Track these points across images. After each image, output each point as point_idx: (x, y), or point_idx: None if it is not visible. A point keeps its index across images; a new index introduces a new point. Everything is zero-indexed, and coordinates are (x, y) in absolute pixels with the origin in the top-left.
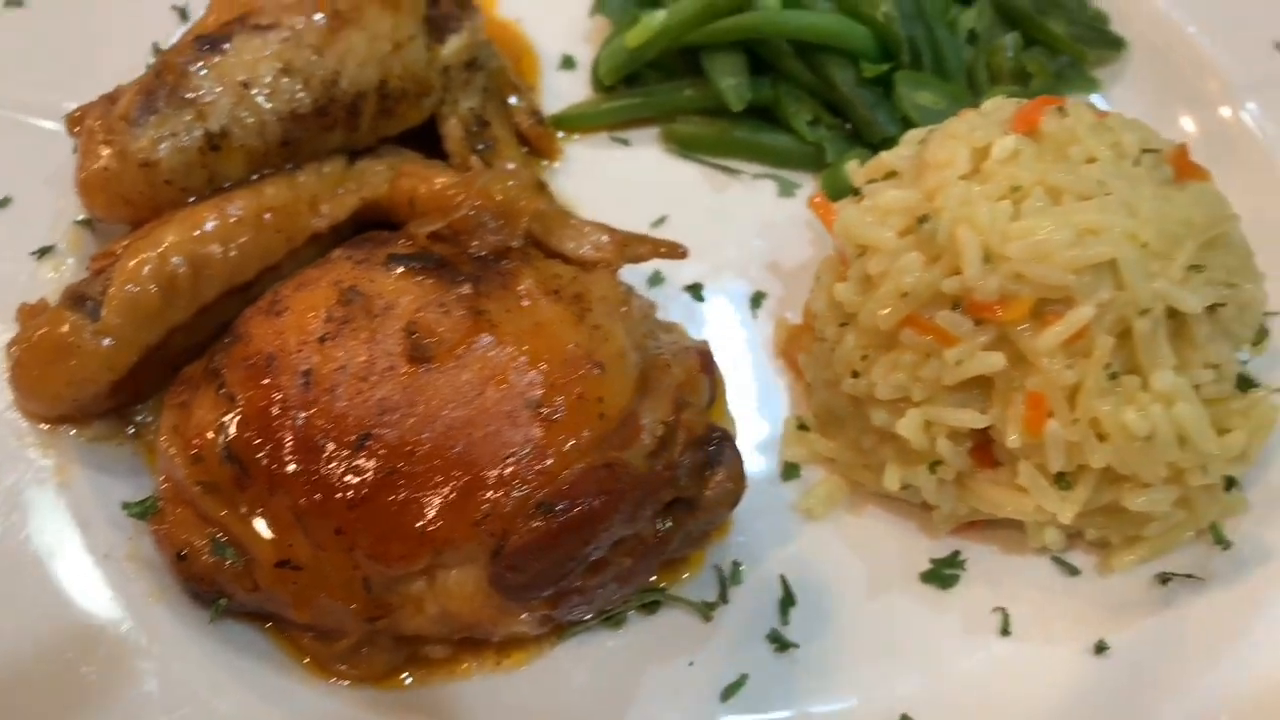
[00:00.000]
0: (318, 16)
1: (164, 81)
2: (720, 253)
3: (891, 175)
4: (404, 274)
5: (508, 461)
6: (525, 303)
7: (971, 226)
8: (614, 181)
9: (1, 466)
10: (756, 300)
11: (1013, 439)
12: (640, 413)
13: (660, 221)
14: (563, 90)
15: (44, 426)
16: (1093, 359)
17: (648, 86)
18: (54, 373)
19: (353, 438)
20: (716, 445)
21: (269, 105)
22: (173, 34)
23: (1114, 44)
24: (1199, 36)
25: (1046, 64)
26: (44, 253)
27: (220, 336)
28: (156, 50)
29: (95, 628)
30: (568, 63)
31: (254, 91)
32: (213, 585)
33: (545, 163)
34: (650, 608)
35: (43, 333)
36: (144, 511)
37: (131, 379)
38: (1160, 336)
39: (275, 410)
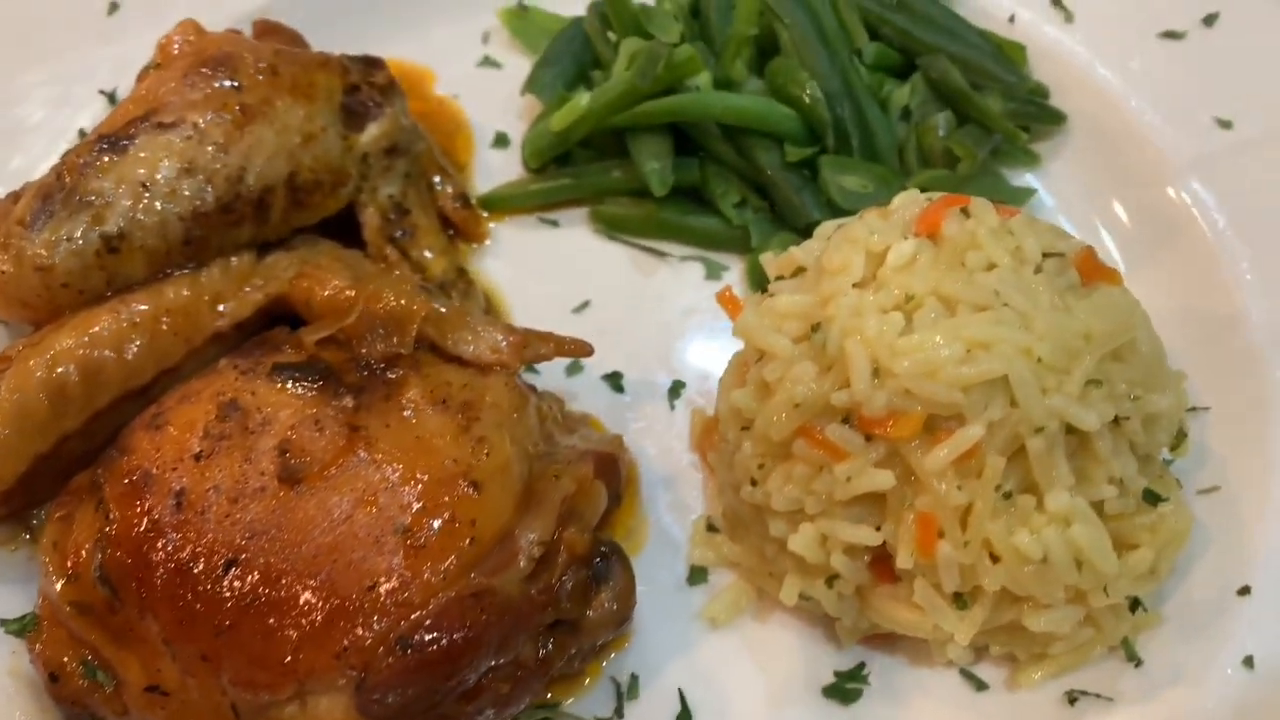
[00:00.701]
0: (224, 112)
1: (62, 183)
2: (642, 339)
3: (800, 271)
4: (286, 386)
5: (370, 592)
6: (407, 415)
7: (860, 339)
8: (540, 264)
9: None
10: (675, 390)
11: (904, 559)
12: (519, 533)
13: (583, 306)
14: (497, 168)
15: None
16: (983, 479)
17: (577, 166)
18: None
19: (220, 562)
20: (602, 562)
21: (170, 205)
22: (100, 117)
23: (1053, 118)
24: (1141, 111)
25: (980, 142)
26: None
27: (110, 445)
28: (82, 136)
29: None
30: (501, 140)
31: (154, 191)
32: (84, 707)
33: (473, 245)
34: None
35: None
36: (22, 629)
37: (23, 486)
38: (1056, 455)
39: (147, 532)
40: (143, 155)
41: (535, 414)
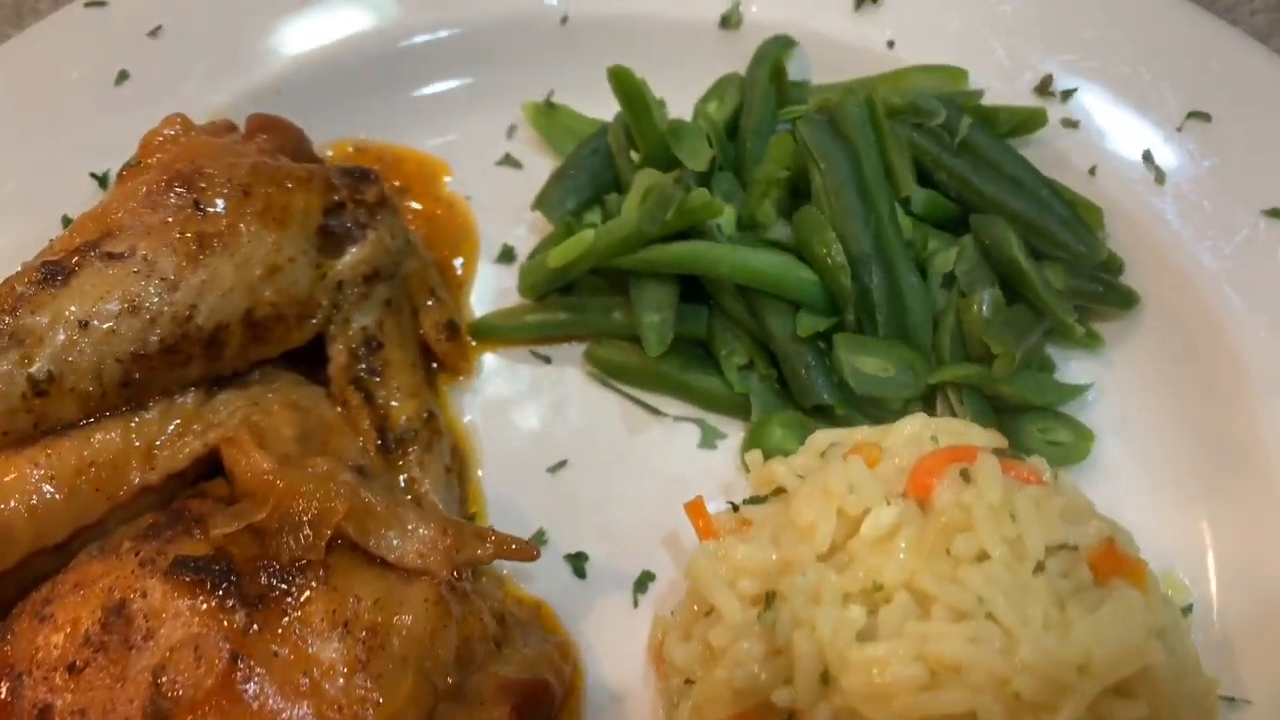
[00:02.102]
0: (178, 242)
1: None
2: (616, 515)
3: (779, 492)
4: (183, 588)
5: None
6: (301, 644)
7: (812, 635)
8: (522, 408)
9: None
10: (642, 583)
11: None
12: None
13: (560, 466)
14: (496, 286)
15: None
16: None
17: (579, 298)
18: None
19: None
20: None
21: (107, 347)
22: (86, 204)
23: (1124, 301)
24: (1231, 308)
25: (1023, 334)
26: None
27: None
28: (66, 222)
29: None
30: (506, 255)
31: (91, 332)
32: None
33: (456, 377)
34: None
35: None
36: None
37: None
38: None
39: None
40: (85, 289)
41: (456, 636)
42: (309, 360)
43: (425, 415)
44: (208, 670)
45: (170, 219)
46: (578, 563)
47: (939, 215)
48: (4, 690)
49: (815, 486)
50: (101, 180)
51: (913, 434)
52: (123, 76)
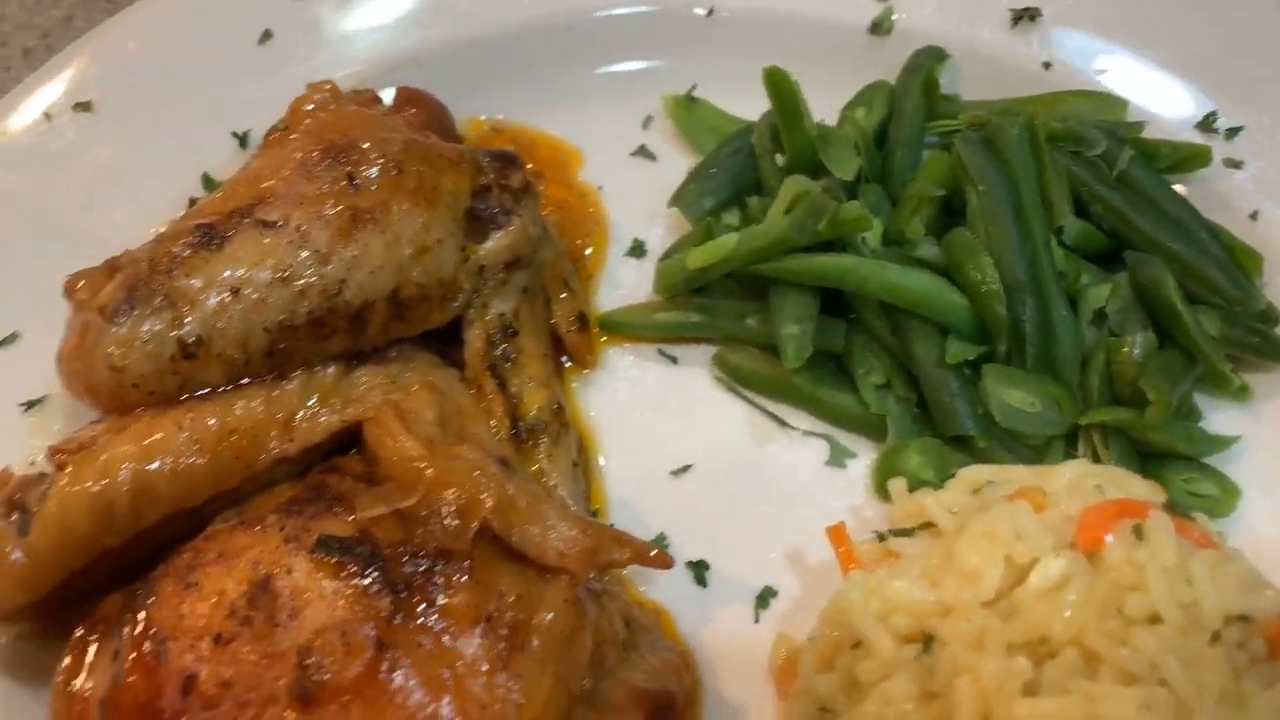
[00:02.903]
0: (332, 214)
1: (150, 275)
2: (740, 526)
3: (928, 526)
4: (329, 568)
5: None
6: (444, 639)
7: (974, 683)
8: (648, 406)
9: None
10: (764, 599)
11: None
12: None
13: (683, 470)
14: (625, 281)
15: None
16: None
17: (712, 300)
18: None
19: None
20: None
21: (256, 316)
22: (227, 163)
23: (1278, 353)
24: None
25: (1177, 380)
26: (32, 406)
27: (150, 568)
28: (206, 180)
29: None
30: (637, 249)
31: (242, 300)
32: None
33: (581, 369)
34: None
35: None
36: None
37: (55, 596)
38: None
39: (151, 710)
40: (239, 256)
41: (590, 640)
42: (440, 340)
43: (555, 407)
44: (354, 657)
45: (324, 190)
46: (699, 571)
47: (1092, 248)
48: (149, 651)
49: (979, 530)
50: (242, 140)
51: (1075, 481)
52: (266, 36)
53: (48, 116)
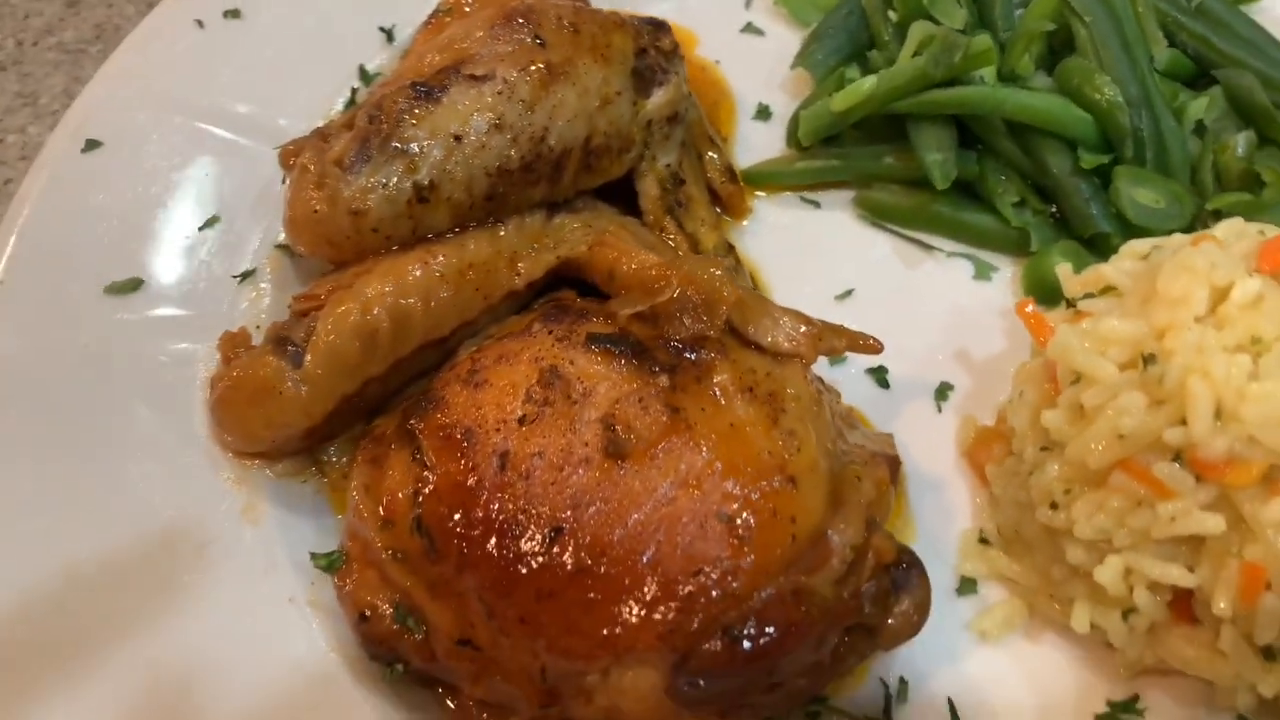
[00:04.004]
0: (533, 69)
1: (378, 129)
2: (907, 335)
3: (1109, 290)
4: (604, 357)
5: (697, 576)
6: (720, 402)
7: (1205, 378)
8: (802, 246)
9: (199, 499)
10: (942, 392)
11: (1222, 607)
12: (831, 533)
13: (846, 295)
14: (756, 142)
15: (239, 460)
16: None
17: (845, 148)
18: (254, 414)
19: (545, 528)
20: (904, 571)
21: (478, 160)
22: (376, 57)
23: None
24: None
25: None
26: (246, 277)
27: (414, 391)
28: (362, 72)
29: (282, 671)
30: (763, 112)
31: (465, 146)
32: (392, 650)
33: (733, 220)
34: (813, 717)
35: (246, 374)
36: (330, 565)
37: (325, 423)
38: None
39: (469, 488)
40: (457, 107)
41: (829, 409)
42: (612, 199)
43: (727, 245)
44: (654, 419)
45: (517, 49)
46: (880, 375)
47: (1180, 73)
48: (457, 440)
49: (1177, 265)
50: (389, 34)
51: (1238, 229)
52: None
53: (200, 24)
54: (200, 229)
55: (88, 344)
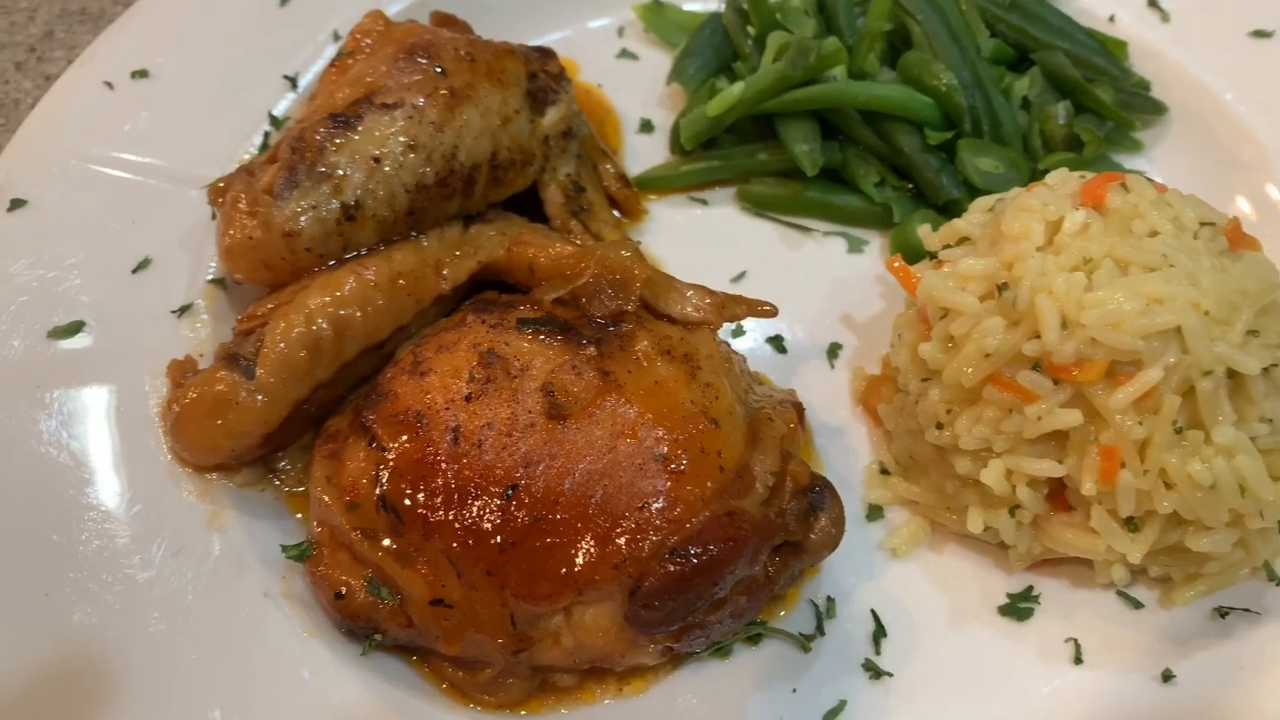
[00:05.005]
0: (438, 94)
1: (303, 158)
2: (797, 306)
3: (964, 241)
4: (535, 337)
5: (642, 510)
6: (643, 363)
7: (1050, 296)
8: (695, 240)
9: (167, 514)
10: (833, 351)
11: (1088, 487)
12: (753, 464)
13: (740, 277)
14: (642, 153)
15: (200, 475)
16: (1161, 416)
17: (723, 149)
18: (214, 426)
19: (501, 488)
20: (819, 492)
21: (398, 178)
22: (284, 102)
23: (1156, 109)
24: (1235, 103)
25: (1097, 130)
26: (183, 311)
27: (361, 391)
28: (272, 118)
29: (265, 659)
30: (646, 126)
31: (385, 166)
32: (368, 622)
33: (631, 222)
34: (755, 640)
35: (202, 390)
36: (301, 554)
37: (280, 430)
38: (1221, 395)
39: (428, 463)
40: (374, 133)
41: (738, 366)
42: (521, 209)
43: (629, 240)
44: (589, 382)
45: (422, 78)
46: (778, 342)
47: (1003, 58)
48: (409, 423)
49: (1016, 207)
50: (293, 81)
51: (1064, 177)
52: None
53: (110, 85)
54: (134, 271)
55: (38, 385)
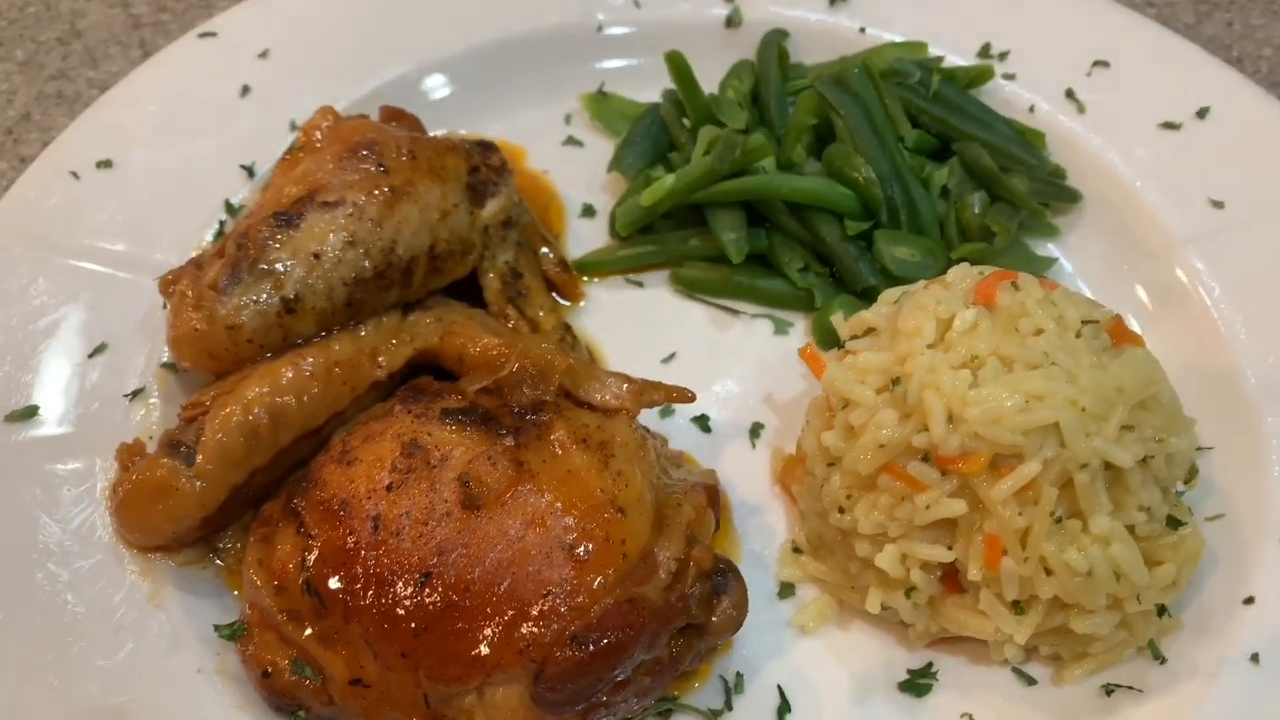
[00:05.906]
0: (377, 192)
1: (246, 254)
2: (723, 386)
3: (870, 331)
4: (456, 427)
5: (546, 598)
6: (558, 452)
7: (936, 392)
8: (630, 321)
9: (109, 590)
10: (755, 431)
11: (974, 573)
12: (657, 550)
13: (670, 358)
14: (584, 235)
15: (143, 555)
16: (1040, 506)
17: (659, 235)
18: (155, 510)
19: (415, 575)
20: (722, 576)
21: (336, 273)
22: (240, 191)
23: (1070, 197)
24: (1145, 192)
25: (1009, 219)
26: (135, 395)
27: (295, 476)
28: (228, 206)
29: None
30: (588, 211)
31: (324, 261)
32: (293, 699)
33: (570, 304)
34: (665, 715)
35: (144, 475)
36: (233, 634)
37: (218, 513)
38: (1098, 486)
39: (349, 550)
40: (314, 230)
41: (653, 451)
42: (461, 295)
43: (565, 325)
44: (502, 473)
45: (361, 177)
46: (703, 422)
47: (926, 148)
48: (334, 510)
49: (912, 305)
50: (249, 170)
51: (964, 273)
52: (245, 90)
53: (75, 175)
54: (90, 356)
55: None
